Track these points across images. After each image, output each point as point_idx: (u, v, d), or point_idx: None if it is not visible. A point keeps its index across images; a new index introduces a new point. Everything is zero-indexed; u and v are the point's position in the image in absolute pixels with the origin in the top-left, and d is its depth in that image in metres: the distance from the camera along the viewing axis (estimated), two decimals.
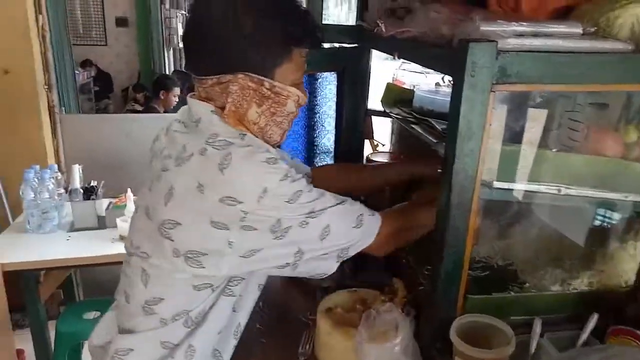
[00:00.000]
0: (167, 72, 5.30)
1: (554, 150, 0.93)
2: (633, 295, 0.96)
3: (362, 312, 0.97)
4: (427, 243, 0.94)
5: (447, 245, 0.84)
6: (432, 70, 1.14)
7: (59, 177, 2.20)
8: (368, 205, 0.94)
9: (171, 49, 5.60)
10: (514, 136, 0.90)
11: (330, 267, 0.90)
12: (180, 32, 5.39)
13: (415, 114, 1.28)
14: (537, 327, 0.87)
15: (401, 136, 1.62)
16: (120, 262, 0.99)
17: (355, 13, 1.46)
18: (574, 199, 0.91)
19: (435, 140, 1.08)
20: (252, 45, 0.83)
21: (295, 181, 0.82)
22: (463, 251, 0.85)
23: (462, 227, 0.83)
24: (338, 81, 1.55)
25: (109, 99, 5.81)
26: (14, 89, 2.49)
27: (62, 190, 2.20)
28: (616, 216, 1.01)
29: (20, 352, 2.20)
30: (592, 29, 0.81)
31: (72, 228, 2.16)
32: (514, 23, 0.77)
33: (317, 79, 1.57)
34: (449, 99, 0.81)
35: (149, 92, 4.55)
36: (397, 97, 1.46)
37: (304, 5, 1.27)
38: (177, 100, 3.96)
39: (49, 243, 2.04)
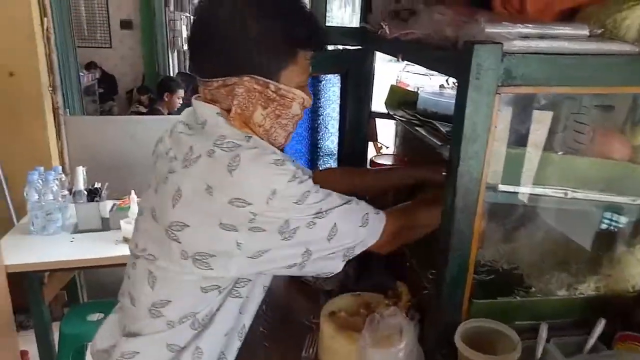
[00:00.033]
0: (171, 75, 5.31)
1: (559, 153, 0.92)
2: None
3: (366, 316, 0.96)
4: (431, 246, 0.94)
5: (452, 248, 0.84)
6: (436, 72, 1.14)
7: (63, 179, 2.21)
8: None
9: (175, 51, 5.61)
10: (519, 139, 0.89)
11: (336, 266, 0.90)
12: (185, 34, 5.41)
13: (419, 116, 1.28)
14: (544, 332, 0.86)
15: (405, 139, 1.61)
16: (124, 264, 0.99)
17: (358, 15, 1.46)
18: (581, 203, 0.90)
19: (439, 143, 1.07)
20: (258, 47, 0.83)
21: (303, 182, 0.83)
22: (468, 255, 0.84)
23: (467, 230, 0.83)
24: (342, 83, 1.55)
25: (114, 101, 5.83)
26: (18, 91, 2.50)
27: (66, 192, 2.21)
28: (623, 220, 1.00)
29: (24, 353, 2.20)
30: (599, 31, 0.80)
31: (76, 230, 2.17)
32: (520, 25, 0.77)
33: (320, 81, 1.57)
34: (453, 101, 0.80)
35: (153, 94, 4.56)
36: (401, 99, 1.46)
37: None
38: (181, 102, 3.97)
39: (53, 244, 2.05)
